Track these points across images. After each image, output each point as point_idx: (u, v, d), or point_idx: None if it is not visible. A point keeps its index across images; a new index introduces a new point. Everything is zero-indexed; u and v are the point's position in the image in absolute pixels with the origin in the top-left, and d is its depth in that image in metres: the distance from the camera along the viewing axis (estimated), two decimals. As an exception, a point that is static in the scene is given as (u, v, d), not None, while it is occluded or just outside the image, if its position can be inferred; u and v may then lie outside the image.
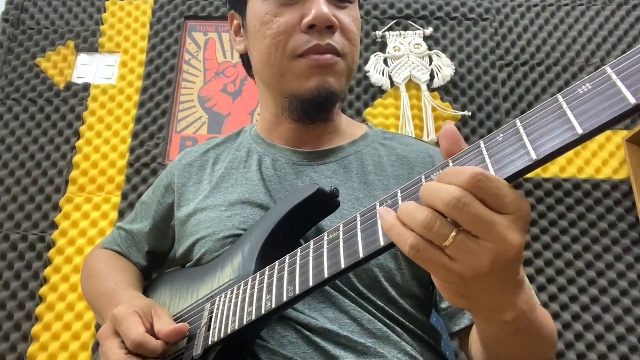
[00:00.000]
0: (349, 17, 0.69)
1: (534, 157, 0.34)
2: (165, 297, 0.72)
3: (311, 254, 0.49)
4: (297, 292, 0.48)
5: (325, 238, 0.49)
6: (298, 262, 0.51)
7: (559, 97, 0.35)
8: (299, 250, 0.52)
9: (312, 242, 0.51)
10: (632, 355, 1.41)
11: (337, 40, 0.66)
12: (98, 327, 1.40)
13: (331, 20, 0.64)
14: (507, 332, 0.45)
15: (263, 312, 0.51)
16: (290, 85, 0.68)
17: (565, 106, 0.34)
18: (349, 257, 0.44)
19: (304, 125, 0.71)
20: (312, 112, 0.69)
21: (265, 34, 0.67)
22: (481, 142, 0.38)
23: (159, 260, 0.83)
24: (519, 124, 0.36)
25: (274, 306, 0.50)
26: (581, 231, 1.53)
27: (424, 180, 0.41)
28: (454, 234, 0.35)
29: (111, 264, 0.80)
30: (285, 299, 0.49)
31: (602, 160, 1.61)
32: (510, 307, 0.40)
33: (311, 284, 0.47)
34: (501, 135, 0.37)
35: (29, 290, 1.46)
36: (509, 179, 0.36)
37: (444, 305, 0.65)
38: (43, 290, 1.45)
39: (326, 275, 0.46)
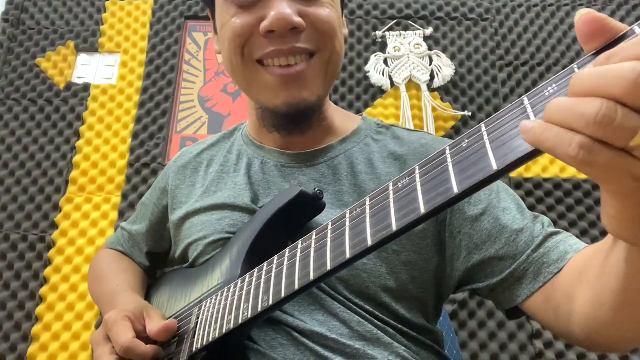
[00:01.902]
0: (321, 7, 0.61)
1: (495, 167, 0.32)
2: (164, 298, 0.72)
3: (285, 263, 0.49)
4: (271, 302, 0.48)
5: (299, 246, 0.48)
6: (274, 270, 0.50)
7: (525, 98, 0.32)
8: (275, 257, 0.52)
9: (287, 250, 0.50)
10: (632, 355, 1.40)
11: (305, 38, 0.60)
12: (98, 327, 1.40)
13: (292, 22, 0.58)
14: None
15: (240, 321, 0.51)
16: (259, 96, 0.64)
17: (529, 109, 0.31)
18: (318, 269, 0.43)
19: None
20: (287, 125, 0.66)
21: (224, 37, 0.63)
22: (447, 148, 0.36)
23: (160, 260, 0.83)
24: (483, 128, 0.34)
25: (249, 316, 0.50)
26: (581, 231, 1.53)
27: (391, 188, 0.39)
28: None
29: (114, 265, 0.80)
30: (259, 309, 0.49)
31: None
32: None
33: (283, 295, 0.47)
34: (466, 141, 0.35)
35: (29, 290, 1.46)
36: (471, 189, 0.33)
37: (496, 279, 0.58)
38: (43, 290, 1.45)
39: (297, 287, 0.46)
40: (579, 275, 0.50)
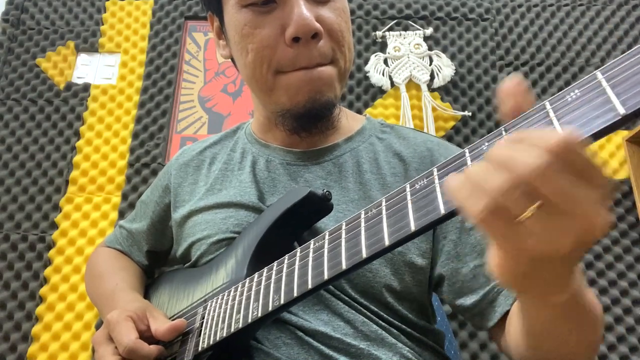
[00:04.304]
0: (334, 13, 0.63)
1: None
2: (164, 297, 0.72)
3: (297, 262, 0.49)
4: (282, 301, 0.48)
5: (311, 246, 0.48)
6: (284, 269, 0.50)
7: (547, 103, 0.33)
8: (286, 257, 0.52)
9: (298, 250, 0.50)
10: (632, 355, 1.41)
11: (323, 48, 0.61)
12: (98, 327, 1.40)
13: (315, 28, 0.59)
14: (556, 316, 0.42)
15: (249, 320, 0.51)
16: (281, 99, 0.64)
17: (552, 114, 0.32)
18: (332, 268, 0.44)
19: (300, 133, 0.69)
20: (308, 125, 0.66)
21: (247, 48, 0.62)
22: (466, 151, 0.37)
23: (160, 258, 0.83)
24: (504, 132, 0.35)
25: (259, 315, 0.50)
26: (581, 231, 1.53)
27: (408, 189, 0.40)
28: (537, 204, 0.30)
29: (112, 264, 0.80)
30: (270, 308, 0.49)
31: (602, 161, 1.61)
32: (564, 288, 0.37)
33: (295, 294, 0.47)
34: (486, 144, 0.35)
35: (29, 290, 1.46)
36: None
37: (469, 302, 0.60)
38: (43, 290, 1.45)
39: (309, 286, 0.46)
40: None
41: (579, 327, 0.45)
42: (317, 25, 0.59)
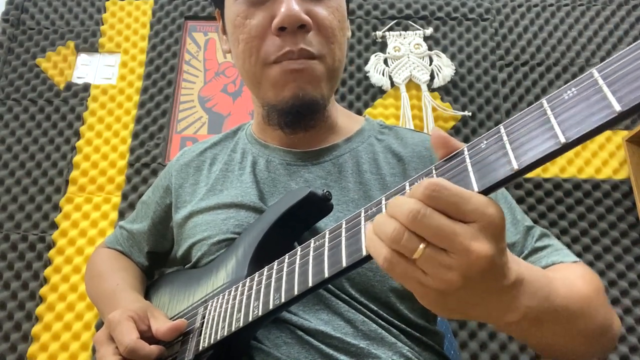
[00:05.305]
0: (327, 10, 0.64)
1: (515, 166, 0.33)
2: (164, 298, 0.72)
3: (297, 261, 0.49)
4: (283, 300, 0.48)
5: (312, 245, 0.48)
6: (285, 269, 0.50)
7: (544, 101, 0.33)
8: (286, 256, 0.52)
9: (299, 249, 0.50)
10: (632, 355, 1.40)
11: (311, 40, 0.62)
12: (98, 327, 1.40)
13: (301, 19, 0.60)
14: (523, 328, 0.42)
15: (250, 319, 0.51)
16: (267, 93, 0.65)
17: (549, 112, 0.33)
18: (332, 266, 0.44)
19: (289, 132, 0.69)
20: (292, 122, 0.66)
21: (238, 39, 0.64)
22: (465, 149, 0.37)
23: (160, 259, 0.83)
24: (502, 130, 0.35)
25: (260, 314, 0.50)
26: (581, 231, 1.53)
27: (407, 187, 0.40)
28: (422, 246, 0.34)
29: (113, 264, 0.80)
30: (271, 306, 0.49)
31: (602, 160, 1.61)
32: (510, 309, 0.38)
33: (296, 292, 0.47)
34: (484, 142, 0.36)
35: (29, 290, 1.46)
36: (491, 188, 0.34)
37: None
38: (43, 290, 1.45)
39: (310, 284, 0.46)
40: None
41: (562, 325, 0.45)
42: (305, 17, 0.60)
